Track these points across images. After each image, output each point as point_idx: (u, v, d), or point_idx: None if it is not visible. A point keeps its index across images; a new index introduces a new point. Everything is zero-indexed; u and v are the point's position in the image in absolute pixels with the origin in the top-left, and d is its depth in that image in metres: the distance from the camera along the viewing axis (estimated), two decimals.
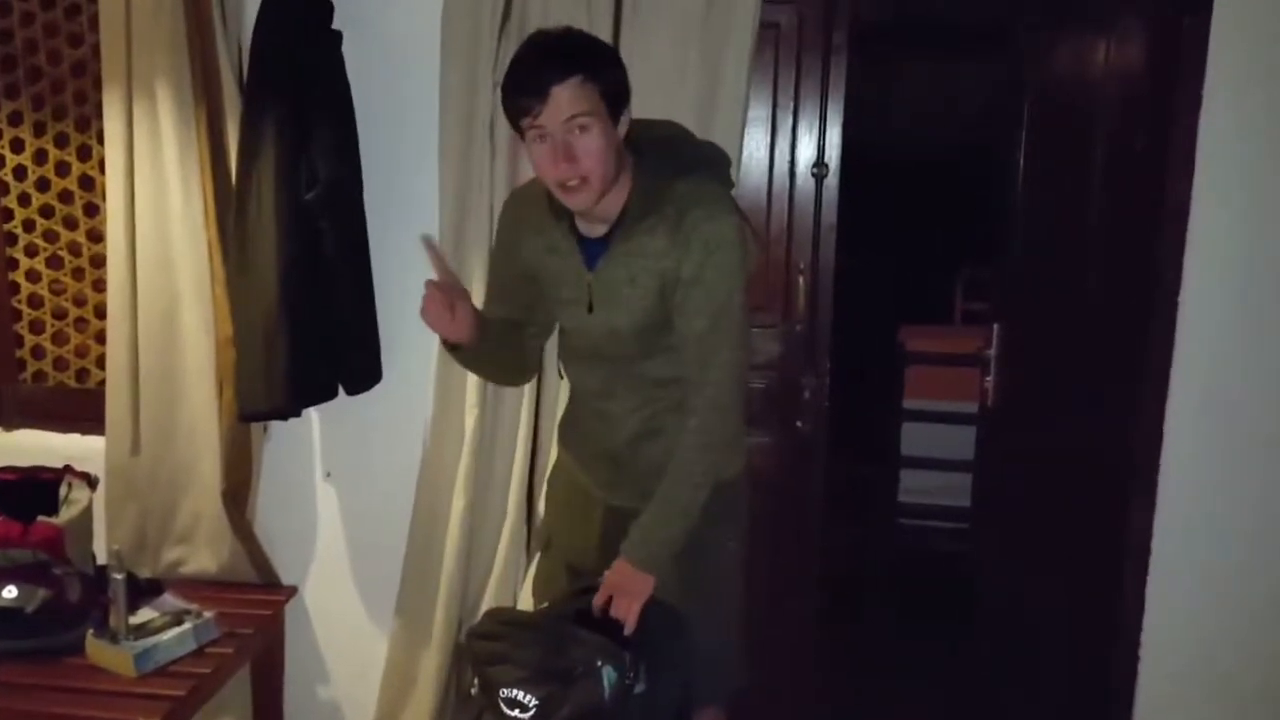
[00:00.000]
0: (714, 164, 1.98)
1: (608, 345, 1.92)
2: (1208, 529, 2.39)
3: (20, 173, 2.62)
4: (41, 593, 2.20)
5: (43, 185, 2.62)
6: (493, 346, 2.01)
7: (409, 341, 2.46)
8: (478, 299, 2.33)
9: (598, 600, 1.90)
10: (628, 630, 1.85)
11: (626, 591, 1.88)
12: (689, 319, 1.83)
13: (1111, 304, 2.53)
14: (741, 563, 2.07)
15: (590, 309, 1.89)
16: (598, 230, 1.87)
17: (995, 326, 2.88)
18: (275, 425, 2.54)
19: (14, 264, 2.66)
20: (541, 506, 2.34)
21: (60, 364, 2.71)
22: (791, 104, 2.51)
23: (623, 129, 1.80)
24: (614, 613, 1.87)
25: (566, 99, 1.70)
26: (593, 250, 1.88)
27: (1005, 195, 2.91)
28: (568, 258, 1.90)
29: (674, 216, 1.80)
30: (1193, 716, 2.48)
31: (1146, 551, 2.41)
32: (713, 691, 2.06)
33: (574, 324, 1.94)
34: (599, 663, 1.78)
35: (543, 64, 1.73)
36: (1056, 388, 2.75)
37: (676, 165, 1.86)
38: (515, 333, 2.09)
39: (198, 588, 2.48)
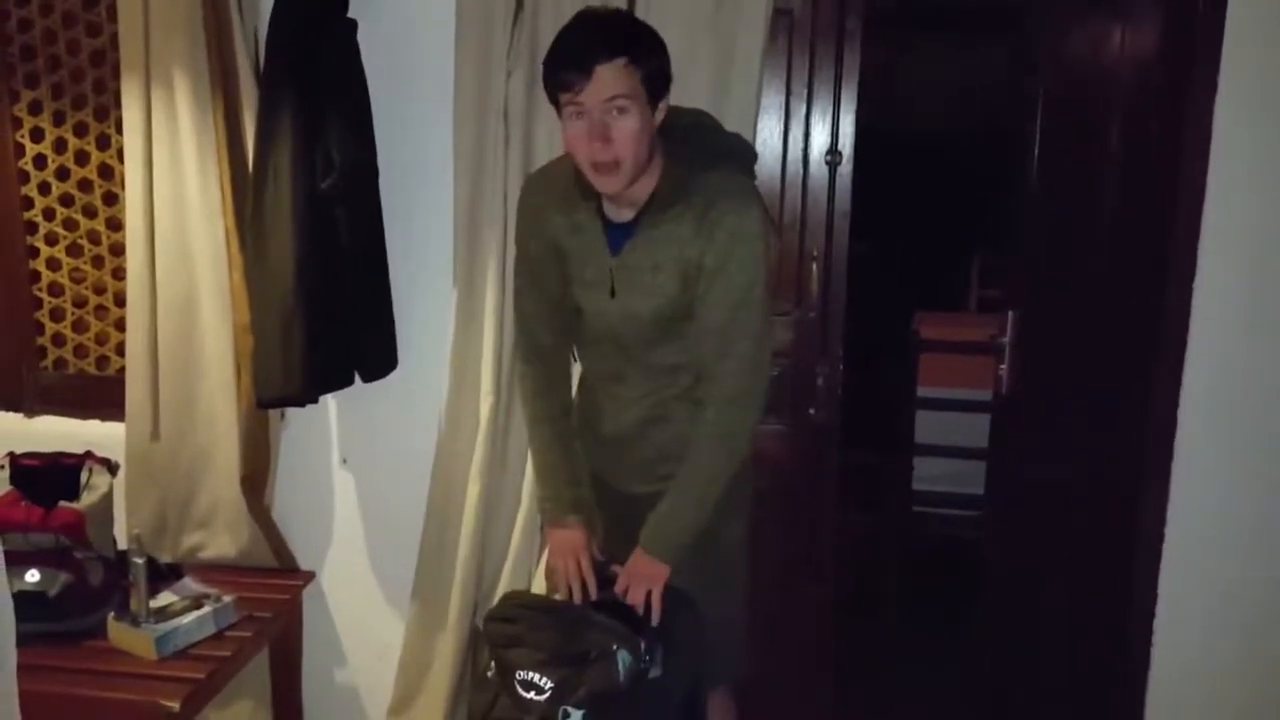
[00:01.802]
0: (741, 156, 2.00)
1: (625, 330, 1.93)
2: (1221, 517, 2.39)
3: (40, 161, 2.64)
4: (63, 577, 2.22)
5: (62, 174, 2.64)
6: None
7: (424, 329, 2.48)
8: (490, 284, 2.35)
9: (618, 588, 1.92)
10: (644, 615, 1.87)
11: (642, 579, 1.90)
12: (710, 310, 1.84)
13: (1126, 291, 2.52)
14: (747, 547, 2.08)
15: (613, 294, 1.89)
16: (624, 215, 1.87)
17: (1010, 314, 2.87)
18: (292, 412, 2.56)
19: (34, 252, 2.69)
20: None
21: (80, 351, 2.73)
22: (805, 91, 2.50)
23: (659, 116, 1.80)
24: (629, 599, 1.89)
25: (609, 79, 1.71)
26: (617, 235, 1.88)
27: (1020, 182, 2.90)
28: (592, 240, 1.90)
29: (701, 206, 1.81)
30: (1206, 711, 2.47)
31: (1160, 541, 2.40)
32: (719, 675, 2.07)
33: (594, 307, 1.95)
34: (614, 647, 1.80)
35: (590, 42, 1.73)
36: (1071, 376, 2.74)
37: (706, 155, 1.87)
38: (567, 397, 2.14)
39: (217, 572, 2.51)
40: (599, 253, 1.89)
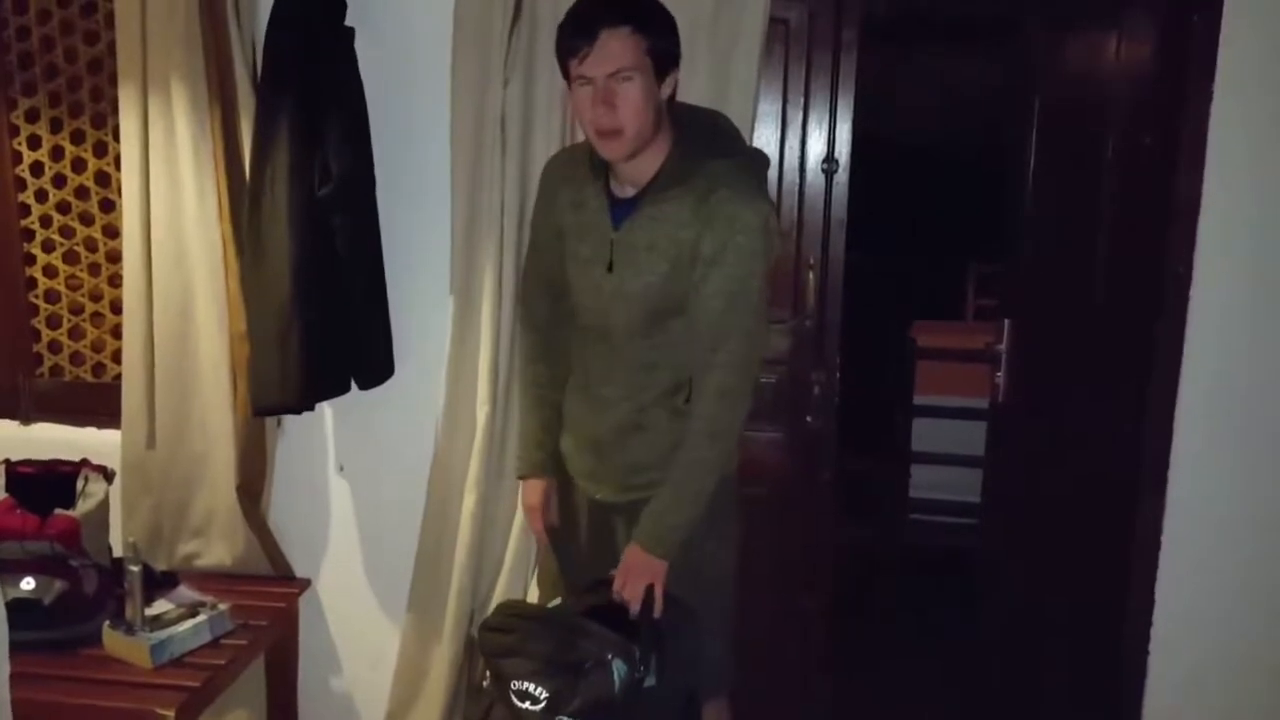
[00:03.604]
0: (753, 157, 2.02)
1: (615, 314, 1.94)
2: (1217, 525, 2.39)
3: (37, 169, 2.64)
4: (59, 584, 2.22)
5: (59, 181, 2.64)
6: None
7: (421, 336, 2.48)
8: (487, 292, 2.35)
9: (615, 586, 1.92)
10: (641, 612, 1.87)
11: (639, 574, 1.90)
12: (705, 299, 1.85)
13: (1122, 300, 2.53)
14: (731, 560, 2.07)
15: (610, 268, 1.91)
16: (627, 191, 1.91)
17: (1006, 322, 2.88)
18: (288, 419, 2.56)
19: (31, 259, 2.69)
20: None
21: (77, 359, 2.73)
22: (802, 100, 2.51)
23: (666, 90, 1.84)
24: (626, 594, 1.89)
25: (614, 47, 1.75)
26: (620, 211, 1.91)
27: (1016, 191, 2.91)
28: (594, 215, 1.94)
29: (703, 190, 1.82)
30: (1203, 714, 2.48)
31: (1156, 547, 2.41)
32: (710, 686, 2.07)
33: (589, 283, 1.96)
34: (609, 656, 1.80)
35: (597, 9, 1.78)
36: (1067, 384, 2.75)
37: (717, 147, 1.90)
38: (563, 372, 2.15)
39: (212, 580, 2.50)
40: (600, 226, 1.92)
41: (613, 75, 1.76)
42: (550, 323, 2.14)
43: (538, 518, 2.17)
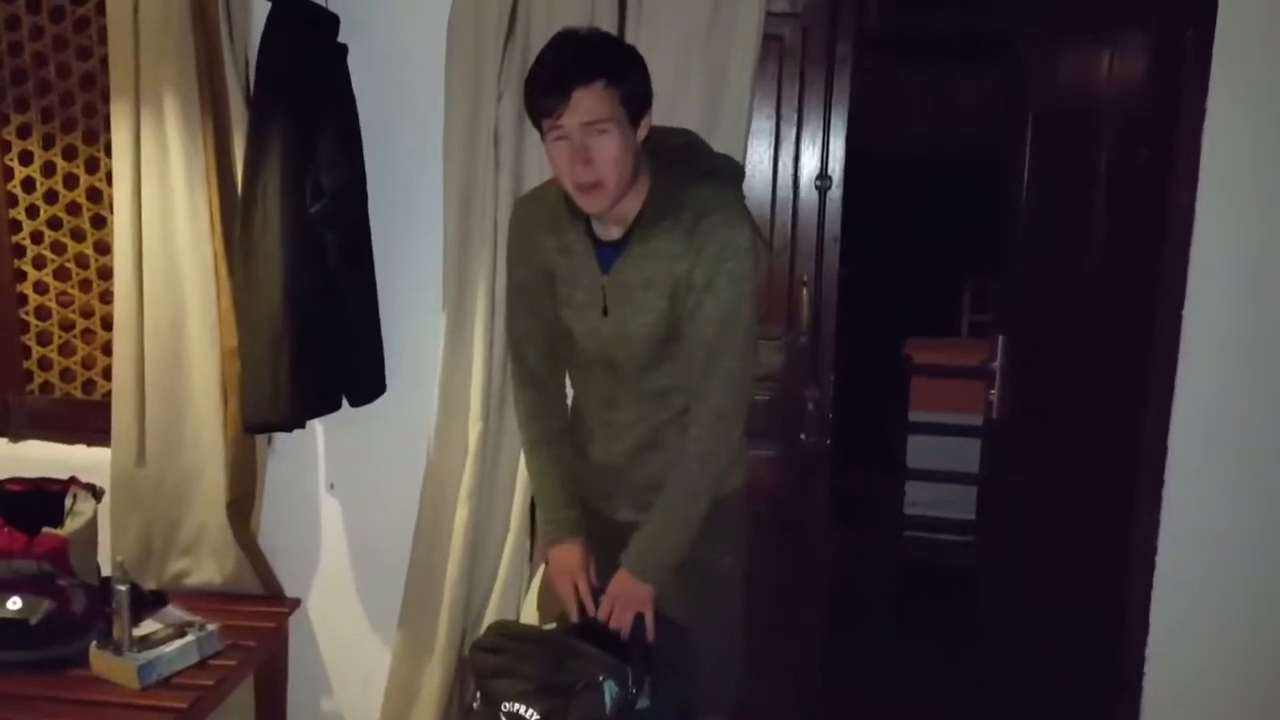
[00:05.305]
0: (730, 174, 2.00)
1: (618, 351, 1.92)
2: (1213, 540, 2.39)
3: (29, 185, 2.64)
4: (46, 604, 2.20)
5: (51, 197, 2.64)
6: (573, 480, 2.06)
7: (413, 353, 2.47)
8: (480, 308, 2.34)
9: (601, 613, 1.90)
10: (629, 639, 1.85)
11: (628, 601, 1.88)
12: (699, 326, 1.83)
13: (1116, 316, 2.53)
14: (741, 577, 2.05)
15: (605, 312, 1.88)
16: (613, 233, 1.87)
17: (1000, 339, 2.87)
18: (279, 437, 2.55)
19: (22, 276, 2.68)
20: None
21: (67, 375, 2.72)
22: (795, 116, 2.51)
23: (642, 134, 1.80)
24: (613, 622, 1.87)
25: (588, 103, 1.71)
26: (607, 253, 1.87)
27: (1010, 208, 2.91)
28: (582, 260, 1.89)
29: (690, 220, 1.81)
30: None
31: (1151, 563, 2.40)
32: (714, 704, 2.05)
33: (585, 327, 1.93)
34: (601, 677, 1.78)
35: (567, 66, 1.73)
36: (1061, 400, 2.74)
37: (694, 172, 1.88)
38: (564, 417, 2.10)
39: (202, 599, 2.48)
40: (589, 272, 1.89)
41: (588, 125, 1.72)
42: (546, 372, 2.05)
43: (582, 578, 1.98)
